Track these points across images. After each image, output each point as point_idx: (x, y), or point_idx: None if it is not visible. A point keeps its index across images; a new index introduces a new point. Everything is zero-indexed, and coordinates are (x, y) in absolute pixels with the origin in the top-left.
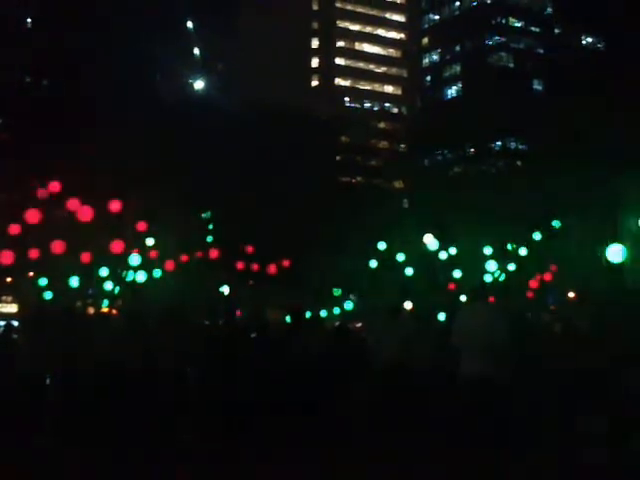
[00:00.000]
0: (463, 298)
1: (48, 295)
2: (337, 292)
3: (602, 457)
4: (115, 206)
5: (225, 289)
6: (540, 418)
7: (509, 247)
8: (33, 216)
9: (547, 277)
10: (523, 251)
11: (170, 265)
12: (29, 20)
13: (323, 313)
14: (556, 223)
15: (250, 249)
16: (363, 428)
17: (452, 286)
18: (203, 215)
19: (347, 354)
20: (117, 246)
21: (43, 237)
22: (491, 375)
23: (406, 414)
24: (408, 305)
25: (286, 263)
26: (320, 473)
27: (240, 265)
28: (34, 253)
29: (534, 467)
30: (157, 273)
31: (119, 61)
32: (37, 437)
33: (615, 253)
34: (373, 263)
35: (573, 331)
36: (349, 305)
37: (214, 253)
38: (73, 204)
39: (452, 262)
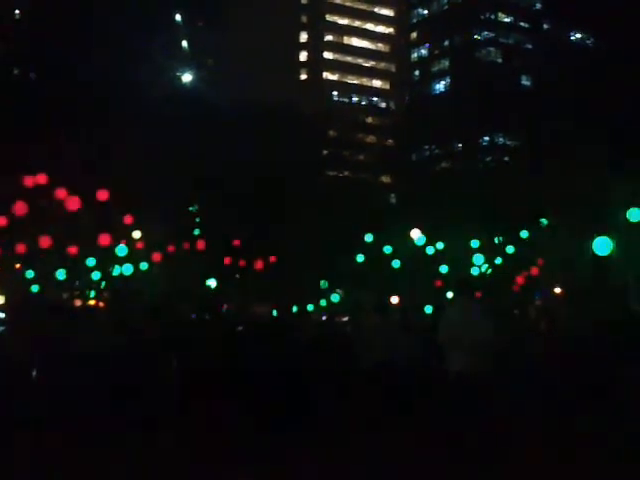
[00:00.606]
0: (449, 294)
1: (34, 287)
2: (324, 285)
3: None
4: (102, 195)
5: (212, 283)
6: (524, 416)
7: (496, 241)
8: (20, 208)
9: (534, 272)
10: (510, 248)
11: (157, 256)
12: (17, 12)
13: (310, 307)
14: (543, 220)
15: (237, 242)
16: (350, 427)
17: (439, 283)
18: (190, 208)
19: (332, 350)
20: (104, 239)
21: (30, 230)
22: (476, 372)
23: (392, 412)
24: (394, 300)
25: (273, 259)
26: (306, 472)
27: (227, 260)
28: (21, 248)
29: (518, 467)
30: (144, 266)
31: (104, 53)
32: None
33: (602, 246)
34: (360, 257)
35: (557, 327)
36: (336, 298)
37: (201, 244)
38: (60, 193)
39: (439, 256)
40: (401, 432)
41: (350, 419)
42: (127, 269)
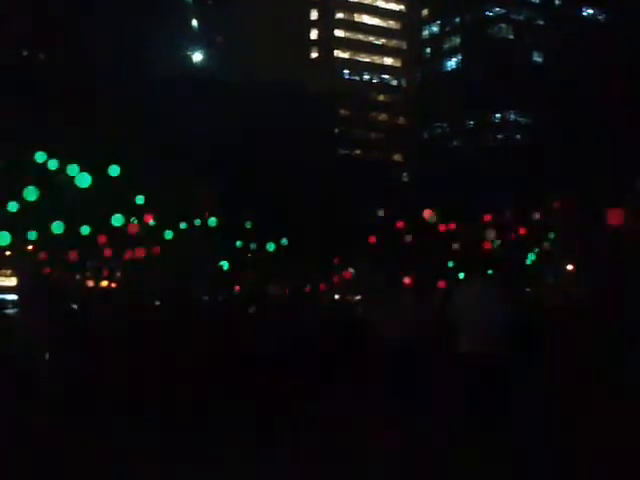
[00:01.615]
0: (461, 274)
1: (46, 269)
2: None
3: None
4: (114, 171)
5: (224, 264)
6: (542, 395)
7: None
8: (31, 194)
9: (546, 246)
10: (522, 230)
11: (168, 235)
12: None
13: (322, 286)
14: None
15: (250, 220)
16: (365, 410)
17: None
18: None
19: (345, 330)
20: (116, 220)
21: (42, 215)
22: (492, 352)
23: (410, 395)
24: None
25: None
26: (322, 454)
27: (239, 242)
28: (32, 235)
29: (537, 449)
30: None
31: (112, 33)
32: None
33: (615, 216)
34: (371, 234)
35: (572, 303)
36: (348, 274)
37: (213, 221)
38: (72, 170)
39: (451, 234)
40: (406, 415)
41: (360, 403)
42: (140, 252)
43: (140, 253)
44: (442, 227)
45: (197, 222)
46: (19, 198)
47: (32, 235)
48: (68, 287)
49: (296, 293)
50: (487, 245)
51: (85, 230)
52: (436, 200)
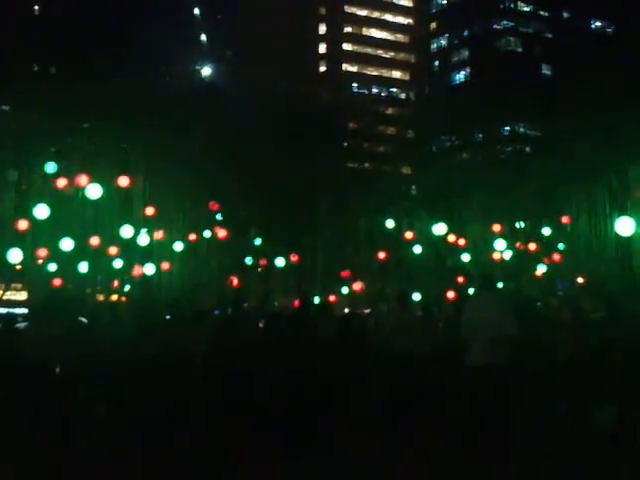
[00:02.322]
0: (471, 290)
1: (57, 282)
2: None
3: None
4: (123, 182)
5: (234, 279)
6: (553, 406)
7: (517, 226)
8: (42, 212)
9: (556, 258)
10: (532, 245)
11: (179, 246)
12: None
13: (331, 297)
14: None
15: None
16: (375, 425)
17: (461, 278)
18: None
19: (354, 345)
20: (126, 231)
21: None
22: (501, 365)
23: (420, 410)
24: (417, 297)
25: (294, 257)
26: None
27: (248, 260)
28: (42, 251)
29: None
30: (164, 263)
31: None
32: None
33: (624, 226)
34: (380, 247)
35: (583, 317)
36: (357, 286)
37: (222, 233)
38: (82, 180)
39: (461, 247)
40: (416, 429)
41: (368, 419)
42: (149, 269)
43: (150, 268)
44: (451, 238)
45: (206, 236)
46: (30, 216)
47: (43, 251)
48: (80, 300)
49: (306, 306)
50: (497, 255)
51: (95, 242)
52: (444, 212)
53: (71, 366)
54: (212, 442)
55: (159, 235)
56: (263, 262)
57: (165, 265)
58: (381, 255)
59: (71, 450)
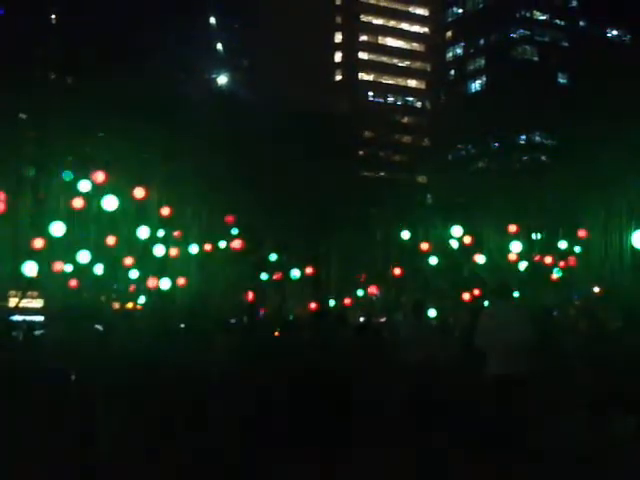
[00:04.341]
0: (486, 302)
1: (73, 288)
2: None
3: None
4: (139, 193)
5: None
6: (570, 417)
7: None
8: (58, 229)
9: (572, 262)
10: (548, 258)
11: (194, 249)
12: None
13: (347, 300)
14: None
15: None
16: (390, 433)
17: (476, 291)
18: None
19: (369, 353)
20: (142, 231)
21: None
22: (518, 375)
23: (436, 418)
24: (432, 312)
25: (309, 270)
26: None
27: (264, 275)
28: (58, 265)
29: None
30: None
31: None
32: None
33: None
34: (396, 256)
35: (600, 327)
36: (372, 289)
37: (237, 243)
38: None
39: (476, 255)
40: (430, 439)
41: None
42: (165, 283)
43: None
44: (467, 240)
45: (221, 246)
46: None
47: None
48: (95, 308)
49: (322, 314)
50: (512, 258)
51: (111, 242)
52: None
53: (87, 373)
54: (234, 444)
55: (175, 246)
56: (278, 275)
57: (180, 274)
58: (397, 270)
59: (92, 451)
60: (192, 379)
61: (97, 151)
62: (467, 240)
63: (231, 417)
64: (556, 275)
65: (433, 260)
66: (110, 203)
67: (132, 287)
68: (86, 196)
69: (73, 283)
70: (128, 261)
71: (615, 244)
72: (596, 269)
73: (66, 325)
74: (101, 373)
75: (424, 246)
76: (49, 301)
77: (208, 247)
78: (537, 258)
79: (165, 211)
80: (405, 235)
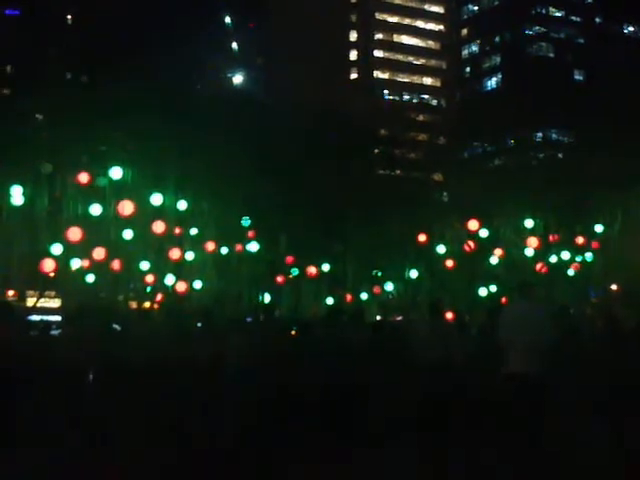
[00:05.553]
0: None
1: (90, 289)
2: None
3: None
4: (157, 200)
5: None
6: (588, 417)
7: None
8: (75, 234)
9: (589, 259)
10: (565, 255)
11: (211, 245)
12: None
13: (363, 295)
14: (599, 228)
15: (290, 260)
16: (408, 429)
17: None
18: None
19: (387, 353)
20: (158, 226)
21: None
22: (540, 373)
23: (456, 416)
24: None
25: (325, 269)
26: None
27: (281, 279)
28: (76, 263)
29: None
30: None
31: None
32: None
33: None
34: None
35: (616, 325)
36: (390, 286)
37: (253, 246)
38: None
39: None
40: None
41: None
42: (180, 286)
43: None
44: (484, 233)
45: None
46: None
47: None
48: (112, 308)
49: (338, 313)
50: (529, 254)
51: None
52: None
53: (104, 372)
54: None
55: (191, 246)
56: (293, 274)
57: (197, 273)
58: (413, 268)
59: (108, 450)
60: (208, 378)
61: (113, 150)
62: (483, 236)
63: (246, 416)
64: (573, 272)
65: (449, 258)
66: (126, 208)
67: (149, 284)
68: (102, 195)
69: (90, 280)
70: (144, 261)
71: (633, 241)
72: (614, 267)
73: (83, 324)
74: (118, 372)
75: (440, 244)
76: (66, 300)
77: (225, 250)
78: (554, 256)
79: (182, 207)
80: (421, 235)
